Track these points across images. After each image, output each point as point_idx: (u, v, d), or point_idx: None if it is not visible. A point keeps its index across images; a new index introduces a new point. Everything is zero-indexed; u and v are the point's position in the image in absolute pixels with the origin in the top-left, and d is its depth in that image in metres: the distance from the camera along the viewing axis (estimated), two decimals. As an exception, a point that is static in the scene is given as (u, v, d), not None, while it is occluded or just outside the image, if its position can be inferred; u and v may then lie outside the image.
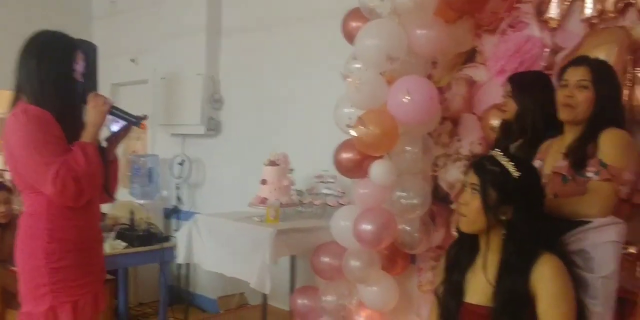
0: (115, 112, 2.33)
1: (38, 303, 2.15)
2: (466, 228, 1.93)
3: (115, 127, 2.44)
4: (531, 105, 2.47)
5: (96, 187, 2.22)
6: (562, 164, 2.08)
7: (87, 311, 2.20)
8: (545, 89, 2.43)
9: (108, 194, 2.42)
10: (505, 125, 2.68)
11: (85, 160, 2.10)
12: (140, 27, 5.83)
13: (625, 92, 2.46)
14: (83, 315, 2.19)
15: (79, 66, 2.27)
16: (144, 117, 2.43)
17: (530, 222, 1.85)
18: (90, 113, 2.22)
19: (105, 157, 2.33)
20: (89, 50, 4.15)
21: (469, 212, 1.89)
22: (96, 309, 2.26)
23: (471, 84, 3.17)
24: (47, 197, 2.14)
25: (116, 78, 6.08)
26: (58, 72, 2.19)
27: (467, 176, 1.95)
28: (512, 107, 2.58)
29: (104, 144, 2.44)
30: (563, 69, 2.19)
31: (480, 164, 1.90)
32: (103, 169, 2.24)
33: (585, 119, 2.08)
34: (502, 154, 1.90)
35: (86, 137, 2.19)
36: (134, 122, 2.38)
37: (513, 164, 1.85)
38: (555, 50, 2.82)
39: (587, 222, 1.94)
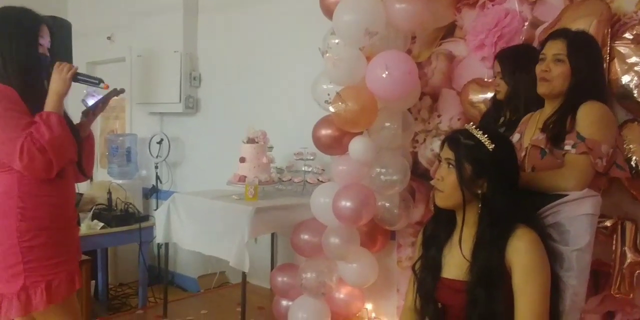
0: (80, 78, 2.27)
1: (10, 284, 2.12)
2: (443, 203, 1.92)
3: (91, 100, 2.40)
4: (522, 84, 2.44)
5: (65, 157, 2.17)
6: (540, 137, 2.07)
7: (61, 290, 2.17)
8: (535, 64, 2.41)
9: (82, 171, 2.39)
10: (497, 102, 2.66)
11: (48, 130, 2.05)
12: (116, 4, 5.72)
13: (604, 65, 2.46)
14: (57, 294, 2.15)
15: (45, 41, 2.22)
16: (121, 91, 2.42)
17: (505, 195, 1.84)
18: (53, 81, 2.18)
19: (78, 132, 2.29)
20: (60, 27, 4.08)
21: (445, 186, 1.88)
22: (71, 288, 2.22)
23: (451, 58, 3.16)
24: (17, 175, 2.11)
25: (92, 56, 6.00)
26: (20, 47, 2.14)
27: (442, 151, 1.93)
28: (503, 88, 2.57)
29: (81, 119, 2.41)
30: (543, 42, 2.17)
31: (454, 138, 1.89)
32: (73, 139, 2.20)
33: (562, 92, 2.07)
34: (475, 127, 1.88)
35: (48, 106, 2.14)
36: (95, 83, 2.32)
37: (487, 136, 1.84)
38: (535, 24, 2.81)
39: (563, 196, 1.94)
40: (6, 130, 2.04)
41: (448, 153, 1.87)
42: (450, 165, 1.86)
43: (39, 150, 2.03)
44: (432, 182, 1.94)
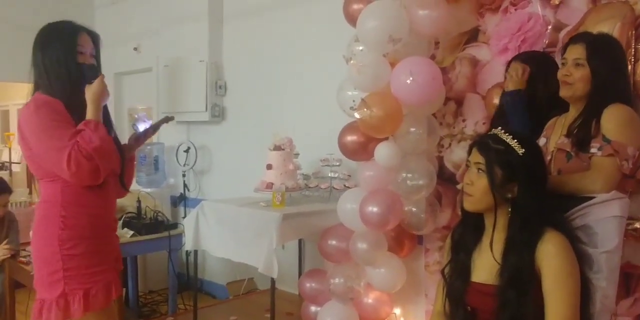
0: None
1: (51, 289, 2.18)
2: (472, 207, 1.93)
3: (142, 126, 2.47)
4: (537, 85, 2.46)
5: (110, 162, 2.23)
6: (565, 140, 2.08)
7: (99, 299, 2.21)
8: (550, 68, 2.41)
9: (123, 186, 2.45)
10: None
11: (94, 137, 2.10)
12: (142, 15, 5.82)
13: (629, 67, 2.45)
14: (95, 303, 2.20)
15: (86, 49, 2.25)
16: (171, 118, 2.56)
17: (535, 198, 1.85)
18: (90, 88, 2.20)
19: (122, 149, 2.38)
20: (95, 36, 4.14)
21: (475, 191, 1.89)
22: (108, 297, 2.26)
23: (474, 63, 3.16)
24: (61, 184, 2.17)
25: (119, 67, 6.10)
26: (59, 58, 2.19)
27: (470, 156, 1.94)
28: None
29: (130, 142, 2.52)
30: (564, 47, 2.19)
31: (484, 143, 1.90)
32: (115, 148, 2.27)
33: (584, 95, 2.09)
34: (504, 131, 1.89)
35: (88, 115, 2.18)
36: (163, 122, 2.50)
37: (516, 141, 1.85)
38: (558, 27, 2.80)
39: (591, 198, 1.94)
40: (53, 140, 2.09)
41: (478, 157, 1.88)
42: (480, 170, 1.87)
43: (86, 157, 2.07)
44: (460, 187, 1.95)
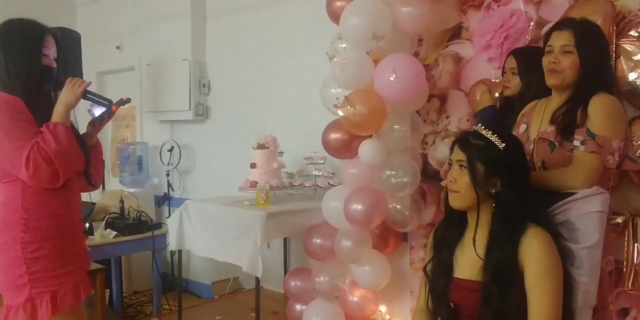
0: (89, 96, 2.29)
1: (17, 294, 2.13)
2: (458, 204, 1.92)
3: (98, 111, 2.41)
4: (534, 82, 2.44)
5: (72, 167, 2.18)
6: (549, 129, 2.06)
7: (67, 300, 2.17)
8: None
9: (89, 181, 2.39)
10: (506, 101, 2.65)
11: (54, 140, 2.06)
12: (124, 14, 5.76)
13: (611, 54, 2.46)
14: (63, 305, 2.15)
15: (50, 51, 2.22)
16: (127, 101, 2.40)
17: (518, 193, 1.86)
18: (63, 93, 2.19)
19: (85, 142, 2.30)
20: (70, 38, 4.09)
21: (459, 188, 1.89)
22: (77, 298, 2.21)
23: (458, 60, 3.17)
24: (22, 186, 2.12)
25: (102, 66, 6.04)
26: (23, 58, 2.15)
27: (452, 153, 1.94)
28: (515, 84, 2.57)
29: (88, 128, 2.42)
30: (548, 33, 2.16)
31: (464, 140, 1.90)
32: (80, 150, 2.21)
33: (572, 83, 2.06)
34: (484, 127, 1.89)
35: (55, 116, 2.15)
36: (106, 104, 2.35)
37: (497, 136, 1.85)
38: (541, 24, 2.81)
39: (572, 194, 1.94)
40: (12, 139, 2.05)
41: (459, 155, 1.88)
42: (462, 167, 1.87)
43: (45, 160, 2.04)
44: (444, 184, 1.94)
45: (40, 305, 2.12)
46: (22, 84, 2.14)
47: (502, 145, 1.84)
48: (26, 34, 2.18)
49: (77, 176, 2.31)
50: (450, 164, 1.95)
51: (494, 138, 1.85)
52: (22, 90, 2.13)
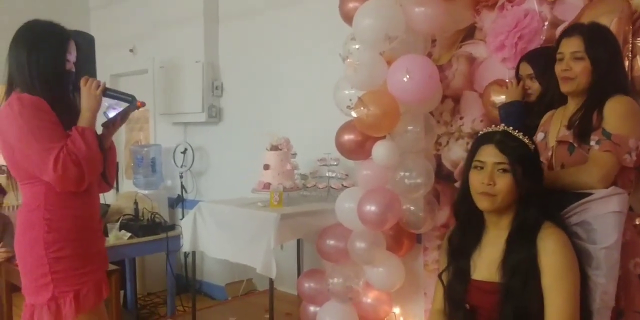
0: (110, 93, 2.30)
1: (40, 294, 2.16)
2: (493, 207, 1.88)
3: (112, 113, 2.42)
4: (553, 83, 2.42)
5: (96, 172, 2.21)
6: (567, 132, 2.06)
7: (89, 299, 2.20)
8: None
9: (106, 181, 2.41)
10: (526, 104, 2.62)
11: (84, 144, 2.09)
12: (137, 16, 5.80)
13: (626, 63, 2.44)
14: (85, 304, 2.18)
15: (71, 56, 2.25)
16: (142, 104, 2.41)
17: (540, 193, 1.86)
18: (84, 98, 2.21)
19: (103, 144, 2.31)
20: (84, 41, 4.13)
21: (499, 191, 1.84)
22: (99, 297, 2.25)
23: (471, 61, 3.15)
24: (45, 187, 2.14)
25: (115, 69, 6.08)
26: (49, 63, 2.17)
27: (481, 155, 1.89)
28: (536, 89, 2.56)
29: (101, 130, 2.42)
30: (558, 40, 2.16)
31: (502, 142, 1.86)
32: (101, 154, 2.23)
33: (586, 88, 2.07)
34: (511, 128, 1.88)
35: (82, 121, 2.18)
36: (129, 100, 2.36)
37: (527, 137, 1.86)
38: (555, 24, 2.79)
39: (589, 194, 1.93)
40: (40, 140, 2.06)
41: (499, 157, 1.84)
42: (502, 170, 1.84)
43: (74, 163, 2.06)
44: (480, 188, 1.87)
45: (64, 304, 2.15)
46: (44, 87, 2.15)
47: (532, 146, 1.86)
48: (54, 38, 2.21)
49: (97, 177, 2.33)
50: (480, 167, 1.88)
51: (525, 139, 1.85)
52: (43, 93, 2.14)
